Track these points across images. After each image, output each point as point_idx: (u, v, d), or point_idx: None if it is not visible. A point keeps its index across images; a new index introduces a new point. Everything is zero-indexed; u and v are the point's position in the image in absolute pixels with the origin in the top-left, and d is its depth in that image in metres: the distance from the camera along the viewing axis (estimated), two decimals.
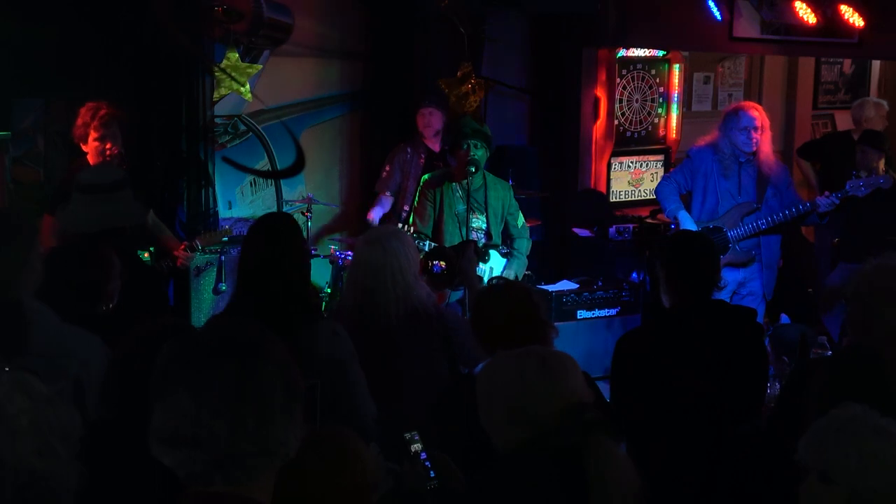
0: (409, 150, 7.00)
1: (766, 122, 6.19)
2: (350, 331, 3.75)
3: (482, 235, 6.15)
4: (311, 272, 3.96)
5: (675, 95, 8.78)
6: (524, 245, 6.24)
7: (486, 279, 5.99)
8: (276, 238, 3.61)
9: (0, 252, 3.17)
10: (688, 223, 6.29)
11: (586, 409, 2.52)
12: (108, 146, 5.39)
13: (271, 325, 3.28)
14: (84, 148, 5.47)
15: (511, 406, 2.55)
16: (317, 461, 2.12)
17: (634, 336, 4.08)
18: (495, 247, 6.15)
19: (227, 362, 1.74)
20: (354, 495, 2.16)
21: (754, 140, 6.12)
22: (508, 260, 6.17)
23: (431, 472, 2.80)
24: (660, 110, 8.76)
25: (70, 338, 3.10)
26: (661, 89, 8.72)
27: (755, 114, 6.13)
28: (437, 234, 6.08)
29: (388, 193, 6.92)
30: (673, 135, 8.85)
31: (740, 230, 6.18)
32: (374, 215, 6.80)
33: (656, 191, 6.71)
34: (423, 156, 6.96)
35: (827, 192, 6.15)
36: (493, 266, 6.13)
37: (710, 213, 6.31)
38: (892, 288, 3.39)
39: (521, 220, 6.26)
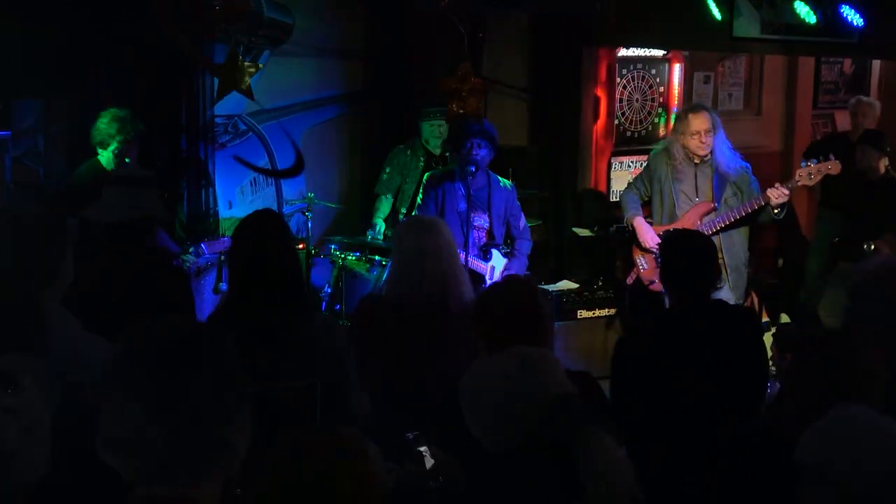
0: (408, 152, 7.02)
1: (718, 122, 6.13)
2: (385, 318, 3.73)
3: (483, 234, 6.16)
4: (312, 272, 3.96)
5: (676, 95, 8.78)
6: (525, 246, 6.26)
7: (487, 277, 6.00)
8: (261, 235, 3.62)
9: (36, 254, 3.09)
10: (643, 228, 6.30)
11: (572, 401, 2.54)
12: (125, 161, 5.54)
13: (265, 322, 3.34)
14: (100, 149, 5.54)
15: (499, 408, 2.57)
16: (319, 463, 2.10)
17: (634, 336, 4.08)
18: (497, 246, 6.16)
19: (166, 367, 1.75)
20: (360, 498, 2.13)
21: (706, 144, 6.07)
22: (509, 260, 6.18)
23: (435, 472, 2.80)
24: (660, 110, 8.77)
25: (89, 347, 3.05)
26: (661, 89, 8.72)
27: (705, 116, 6.08)
28: None
29: (388, 195, 6.95)
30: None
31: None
32: (377, 220, 6.85)
33: (620, 198, 6.71)
34: (422, 159, 6.97)
35: (777, 184, 5.98)
36: (495, 265, 6.14)
37: (669, 217, 6.27)
38: (890, 286, 3.40)
39: (522, 221, 6.29)
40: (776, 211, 5.98)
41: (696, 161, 6.16)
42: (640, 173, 6.67)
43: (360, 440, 2.11)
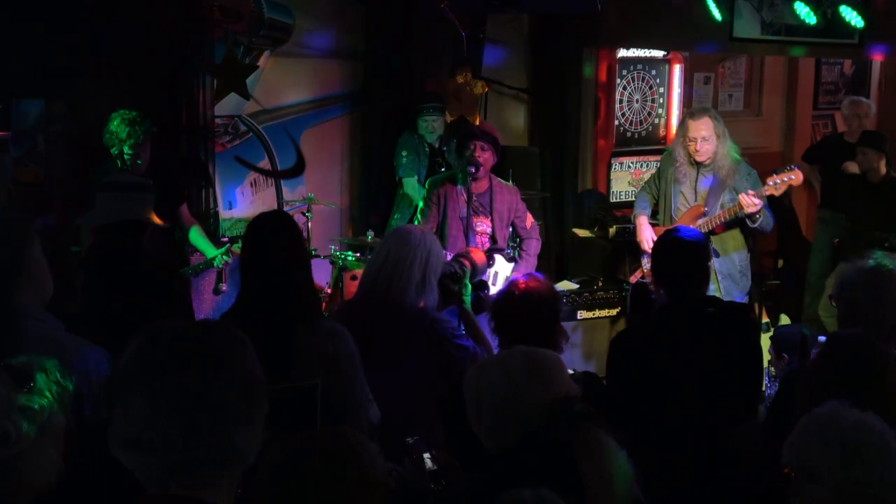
0: (415, 137, 7.17)
1: (722, 128, 6.03)
2: (352, 320, 3.73)
3: (486, 240, 6.15)
4: (312, 272, 3.92)
5: (676, 96, 8.78)
6: (533, 246, 6.25)
7: (490, 283, 5.99)
8: (273, 237, 3.59)
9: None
10: (642, 228, 6.29)
11: (574, 402, 2.55)
12: (137, 162, 5.46)
13: (272, 325, 3.31)
14: (113, 151, 5.49)
15: (502, 407, 2.58)
16: (321, 462, 2.09)
17: (629, 334, 4.08)
18: (500, 250, 6.15)
19: (184, 369, 1.74)
20: (364, 496, 2.13)
21: (702, 150, 5.99)
22: (517, 263, 6.17)
23: (437, 476, 2.81)
24: (660, 110, 8.77)
25: (69, 349, 3.01)
26: (662, 90, 8.73)
27: (704, 123, 5.98)
28: (441, 237, 6.08)
29: (412, 176, 7.09)
30: (673, 135, 8.85)
31: None
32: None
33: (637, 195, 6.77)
34: (426, 146, 7.12)
35: (750, 192, 5.82)
36: (498, 270, 6.12)
37: (668, 219, 6.23)
38: (872, 285, 3.41)
39: (529, 220, 6.28)
40: (751, 219, 5.88)
41: (698, 164, 6.11)
42: (655, 172, 6.66)
43: (362, 440, 2.11)
